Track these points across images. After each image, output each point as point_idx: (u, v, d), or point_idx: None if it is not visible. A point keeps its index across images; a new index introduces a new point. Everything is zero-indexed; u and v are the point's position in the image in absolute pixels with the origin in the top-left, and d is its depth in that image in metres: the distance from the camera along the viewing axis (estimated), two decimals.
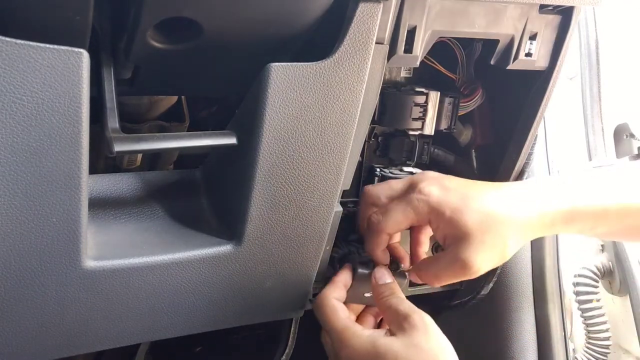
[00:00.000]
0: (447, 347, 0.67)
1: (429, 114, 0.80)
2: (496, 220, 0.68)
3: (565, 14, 0.76)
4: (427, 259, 0.76)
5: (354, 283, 0.76)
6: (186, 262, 0.65)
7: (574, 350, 1.30)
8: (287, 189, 0.66)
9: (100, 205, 0.67)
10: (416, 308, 0.69)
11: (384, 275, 0.74)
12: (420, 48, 0.68)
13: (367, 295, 0.76)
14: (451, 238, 0.69)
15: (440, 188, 0.70)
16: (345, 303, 0.74)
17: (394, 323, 0.68)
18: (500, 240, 0.68)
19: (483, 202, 0.69)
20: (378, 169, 0.85)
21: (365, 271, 0.75)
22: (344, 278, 0.75)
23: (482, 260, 0.68)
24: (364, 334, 0.68)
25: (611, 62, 1.24)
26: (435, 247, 0.89)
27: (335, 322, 0.70)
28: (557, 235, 1.04)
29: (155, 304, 0.67)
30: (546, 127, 1.11)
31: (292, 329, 0.90)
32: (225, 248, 0.67)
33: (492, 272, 0.91)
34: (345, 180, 0.70)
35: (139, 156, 0.82)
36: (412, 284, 0.87)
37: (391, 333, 0.68)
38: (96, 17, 0.52)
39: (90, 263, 0.60)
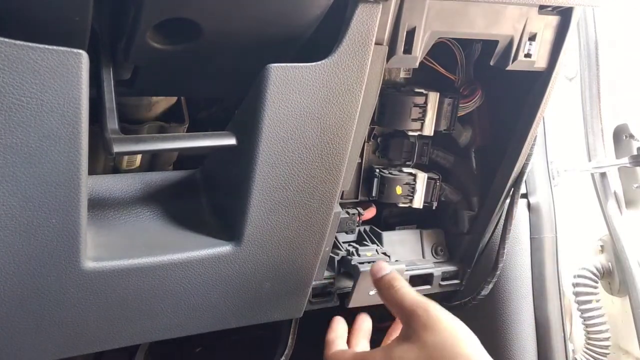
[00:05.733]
0: (462, 333, 0.62)
1: (429, 115, 0.80)
2: None
3: (565, 15, 0.76)
4: None
5: (358, 282, 0.76)
6: (186, 263, 0.65)
7: (573, 350, 1.30)
8: (287, 190, 0.66)
9: (99, 206, 0.67)
10: (420, 299, 0.65)
11: (381, 269, 0.72)
12: (419, 49, 0.68)
13: (371, 293, 0.77)
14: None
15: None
16: (350, 309, 0.76)
17: (402, 320, 0.66)
18: None
19: None
20: (377, 170, 0.85)
21: (367, 269, 0.76)
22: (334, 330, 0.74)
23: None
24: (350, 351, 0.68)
25: (611, 62, 1.24)
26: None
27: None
28: (556, 236, 1.04)
29: (154, 305, 0.67)
30: (546, 128, 1.11)
31: (292, 329, 0.91)
32: (225, 249, 0.67)
33: (491, 273, 0.91)
34: (344, 181, 0.70)
35: (139, 157, 0.82)
36: (411, 284, 0.88)
37: (403, 333, 0.65)
38: (95, 17, 0.52)
39: (89, 264, 0.60)
